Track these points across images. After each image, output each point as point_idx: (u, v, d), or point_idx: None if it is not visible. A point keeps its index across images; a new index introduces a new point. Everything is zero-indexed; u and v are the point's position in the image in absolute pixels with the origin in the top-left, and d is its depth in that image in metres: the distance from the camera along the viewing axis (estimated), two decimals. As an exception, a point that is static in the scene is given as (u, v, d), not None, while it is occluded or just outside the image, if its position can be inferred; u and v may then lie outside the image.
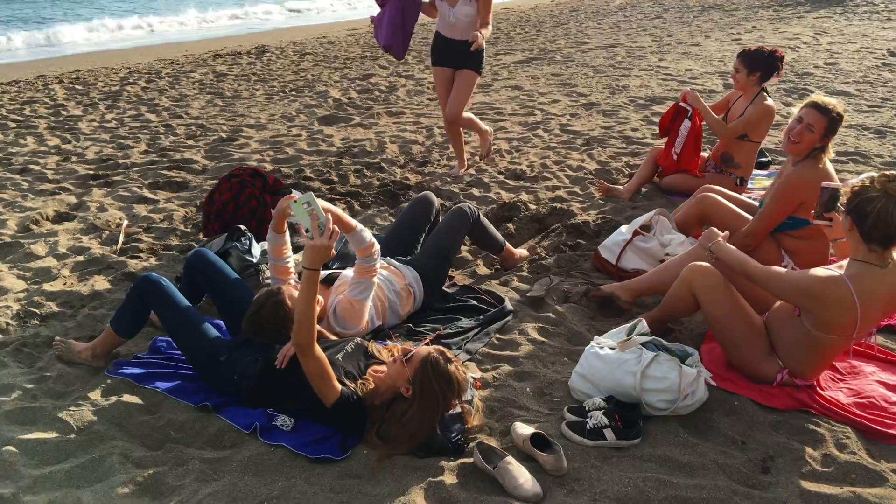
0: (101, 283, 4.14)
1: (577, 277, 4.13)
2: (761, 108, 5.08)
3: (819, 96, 3.76)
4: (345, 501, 2.45)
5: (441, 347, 2.77)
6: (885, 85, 9.00)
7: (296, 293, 3.10)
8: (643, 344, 2.96)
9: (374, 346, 3.05)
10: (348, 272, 3.51)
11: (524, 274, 4.20)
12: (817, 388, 3.04)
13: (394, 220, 5.07)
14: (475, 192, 5.59)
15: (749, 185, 5.55)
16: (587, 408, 2.85)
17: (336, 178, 5.92)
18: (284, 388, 2.88)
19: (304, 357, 2.63)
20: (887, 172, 2.77)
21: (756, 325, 3.09)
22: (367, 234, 3.31)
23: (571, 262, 4.35)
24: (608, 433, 2.73)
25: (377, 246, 3.32)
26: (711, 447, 2.74)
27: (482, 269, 4.32)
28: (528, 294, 3.88)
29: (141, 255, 4.56)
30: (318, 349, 2.64)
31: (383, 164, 6.26)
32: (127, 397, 3.01)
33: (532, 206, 5.17)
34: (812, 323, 2.86)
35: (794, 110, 3.79)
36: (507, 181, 5.87)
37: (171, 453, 2.69)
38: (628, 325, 3.13)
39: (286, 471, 2.61)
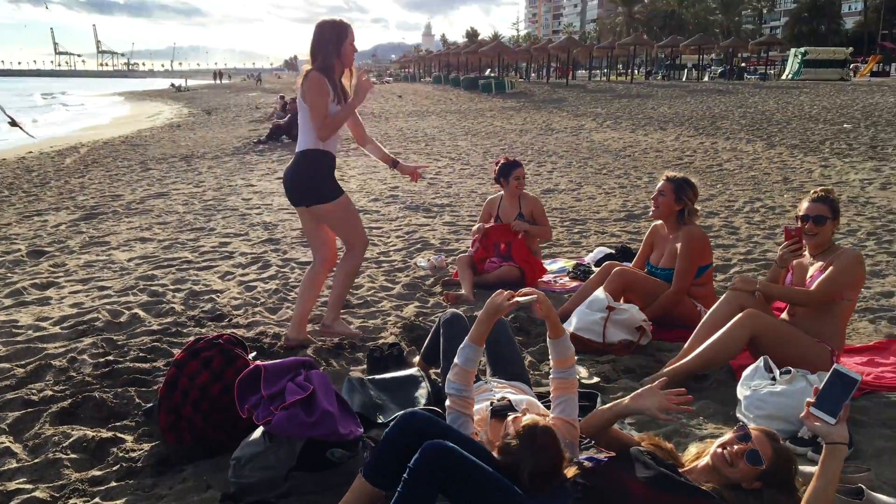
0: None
1: (583, 360, 4.36)
2: (536, 200, 6.37)
3: (668, 171, 5.00)
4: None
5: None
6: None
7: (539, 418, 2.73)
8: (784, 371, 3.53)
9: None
10: (516, 396, 3.15)
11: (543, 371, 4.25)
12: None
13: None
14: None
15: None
16: (807, 437, 3.25)
17: (137, 370, 4.35)
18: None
19: None
20: (825, 188, 4.06)
21: (797, 329, 3.94)
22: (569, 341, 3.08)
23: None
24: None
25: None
26: (867, 431, 3.45)
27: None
28: (584, 382, 3.96)
29: None
30: None
31: (170, 337, 4.98)
32: None
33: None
34: (850, 292, 3.93)
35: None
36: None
37: None
38: (756, 364, 3.63)
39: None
